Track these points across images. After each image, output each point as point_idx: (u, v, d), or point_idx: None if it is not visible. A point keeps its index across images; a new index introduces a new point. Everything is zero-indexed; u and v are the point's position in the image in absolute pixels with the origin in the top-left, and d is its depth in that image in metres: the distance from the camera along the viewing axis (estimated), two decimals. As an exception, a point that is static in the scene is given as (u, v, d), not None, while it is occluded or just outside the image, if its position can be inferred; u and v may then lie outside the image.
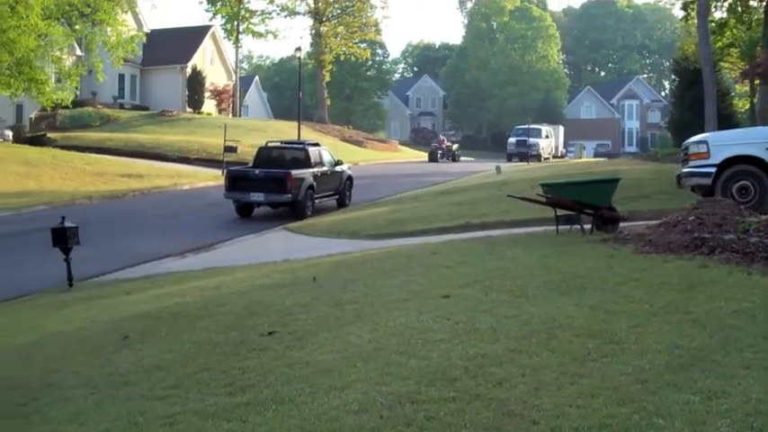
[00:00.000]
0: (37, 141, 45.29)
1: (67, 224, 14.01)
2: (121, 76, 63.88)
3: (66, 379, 7.24)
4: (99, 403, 6.41)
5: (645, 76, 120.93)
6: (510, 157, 55.83)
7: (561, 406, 5.08)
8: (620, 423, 4.76)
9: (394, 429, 4.91)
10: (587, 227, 13.31)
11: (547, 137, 60.42)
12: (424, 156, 60.13)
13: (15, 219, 24.57)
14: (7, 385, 7.25)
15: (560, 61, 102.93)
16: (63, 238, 13.89)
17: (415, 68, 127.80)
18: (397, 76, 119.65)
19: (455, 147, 59.52)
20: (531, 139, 56.06)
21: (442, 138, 62.01)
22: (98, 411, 6.21)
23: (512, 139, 58.03)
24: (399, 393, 5.51)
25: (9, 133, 48.34)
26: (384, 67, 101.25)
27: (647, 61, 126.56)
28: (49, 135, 48.13)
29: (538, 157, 54.73)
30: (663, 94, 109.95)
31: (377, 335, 7.22)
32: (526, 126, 58.41)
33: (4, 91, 38.72)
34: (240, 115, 74.33)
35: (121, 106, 63.87)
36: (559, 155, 65.81)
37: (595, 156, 75.07)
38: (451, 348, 6.48)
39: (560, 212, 13.68)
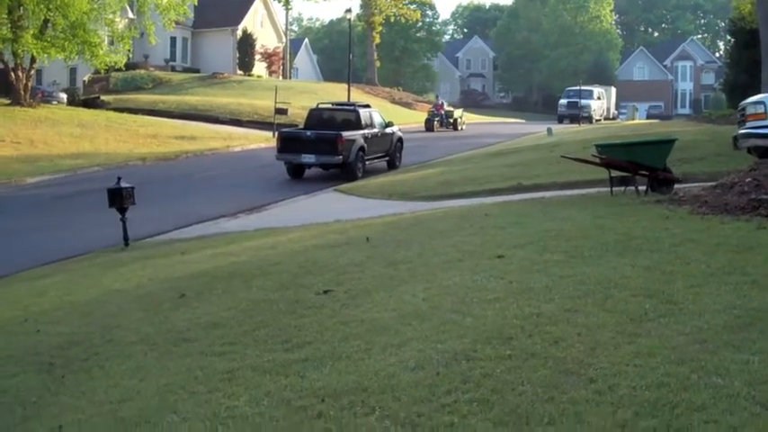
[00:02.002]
0: (90, 104, 45.88)
1: (123, 185, 14.21)
2: (173, 39, 64.30)
3: (125, 335, 7.37)
4: (158, 359, 6.53)
5: (699, 36, 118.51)
6: (561, 119, 55.20)
7: (618, 365, 5.07)
8: (678, 382, 4.73)
9: (450, 386, 4.93)
10: (642, 188, 13.18)
11: (598, 98, 59.61)
12: (475, 117, 59.68)
13: (71, 180, 25.00)
14: (70, 341, 7.41)
15: (613, 22, 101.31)
16: (119, 199, 14.11)
17: (465, 30, 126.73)
18: (446, 37, 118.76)
19: (458, 112, 49.33)
20: (583, 101, 55.34)
21: (440, 101, 50.94)
22: (158, 367, 6.32)
23: (563, 101, 57.34)
24: (455, 351, 5.53)
25: (63, 96, 48.98)
26: (434, 28, 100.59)
27: (702, 21, 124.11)
28: (102, 98, 48.74)
29: (589, 119, 54.06)
30: (717, 55, 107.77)
31: (431, 294, 7.25)
32: (578, 88, 57.64)
33: (59, 54, 39.20)
34: (290, 77, 74.46)
35: (173, 69, 64.35)
36: (611, 117, 64.90)
37: (648, 117, 73.95)
38: (506, 307, 6.49)
39: (614, 173, 13.55)
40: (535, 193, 15.97)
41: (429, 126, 45.53)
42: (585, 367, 5.06)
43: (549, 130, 37.78)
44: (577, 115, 53.17)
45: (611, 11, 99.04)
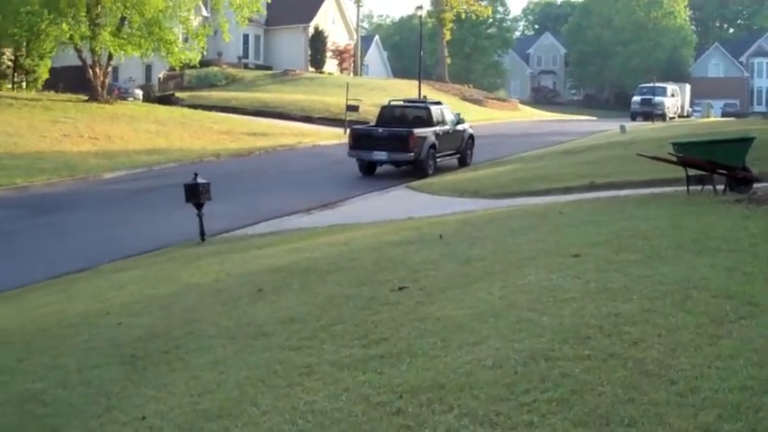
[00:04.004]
0: (165, 100, 46.66)
1: (200, 180, 14.44)
2: (246, 36, 65.00)
3: (204, 328, 7.50)
4: (237, 352, 6.63)
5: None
6: (634, 117, 54.43)
7: (700, 367, 5.00)
8: (761, 385, 4.66)
9: (529, 385, 4.92)
10: (720, 187, 12.96)
11: (672, 96, 58.66)
12: (546, 115, 59.23)
13: (147, 175, 25.46)
14: (150, 333, 7.57)
15: (687, 17, 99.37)
16: (196, 194, 14.34)
17: (536, 26, 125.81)
18: (517, 33, 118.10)
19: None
20: (657, 98, 54.51)
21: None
22: (237, 360, 6.42)
23: (636, 98, 56.56)
24: (533, 350, 5.52)
25: (139, 92, 49.90)
26: (504, 24, 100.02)
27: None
28: (176, 94, 49.52)
29: (663, 117, 53.24)
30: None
31: (507, 292, 7.23)
32: (651, 84, 56.80)
33: (135, 51, 39.91)
34: (361, 74, 74.72)
35: (246, 66, 65.06)
36: (685, 114, 63.79)
37: (723, 115, 72.54)
38: (584, 307, 6.44)
39: (691, 172, 13.35)
40: (609, 191, 15.82)
41: None
42: (666, 369, 5.01)
43: (623, 128, 37.32)
44: (651, 113, 52.38)
45: (685, 6, 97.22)
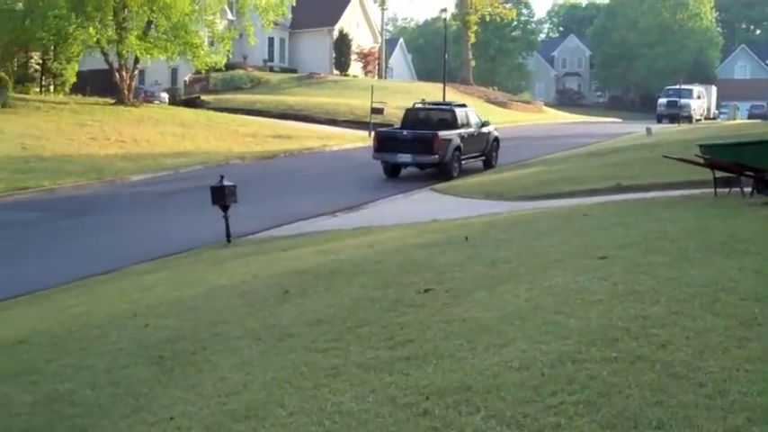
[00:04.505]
0: (191, 103, 46.93)
1: (226, 183, 14.51)
2: (271, 40, 65.29)
3: (231, 330, 7.53)
4: (264, 353, 6.65)
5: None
6: (660, 119, 54.10)
7: (728, 369, 4.97)
8: (791, 388, 4.63)
9: (556, 387, 4.91)
10: (747, 189, 12.86)
11: (699, 98, 58.26)
12: (571, 117, 58.97)
13: (173, 178, 25.62)
14: (178, 335, 7.60)
15: (713, 19, 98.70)
16: (222, 196, 14.42)
17: (561, 28, 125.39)
18: (542, 36, 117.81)
19: None
20: (683, 100, 54.17)
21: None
22: (263, 361, 6.44)
23: (662, 100, 56.22)
24: (560, 352, 5.50)
25: (165, 96, 50.20)
26: (529, 27, 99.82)
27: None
28: (202, 97, 49.78)
29: (689, 119, 52.89)
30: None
31: (533, 294, 7.21)
32: (677, 86, 56.48)
33: (161, 54, 40.21)
34: (385, 77, 74.76)
35: (271, 69, 65.31)
36: (711, 116, 63.35)
37: (749, 117, 71.82)
38: (611, 309, 6.41)
39: (719, 174, 13.26)
40: (635, 193, 15.73)
41: None
42: (694, 371, 4.98)
43: (648, 130, 37.10)
44: (677, 115, 52.06)
45: (711, 8, 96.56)
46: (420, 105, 27.07)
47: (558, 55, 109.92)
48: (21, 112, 35.25)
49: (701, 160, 13.62)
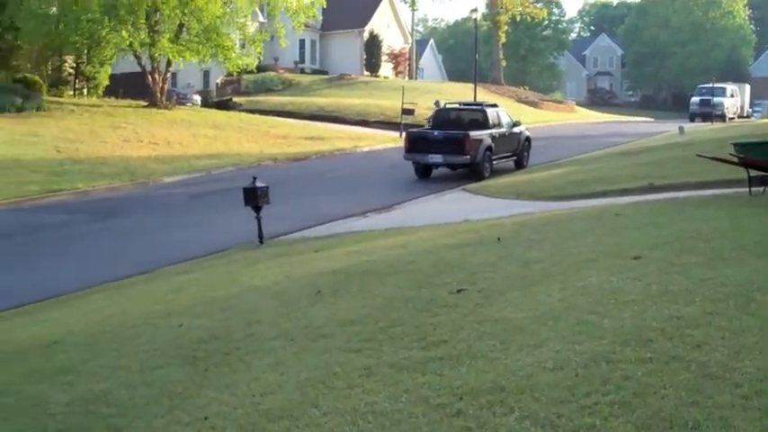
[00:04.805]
0: (223, 105, 47.19)
1: (258, 184, 14.59)
2: (302, 41, 65.50)
3: (264, 330, 7.55)
4: (297, 354, 6.67)
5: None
6: (692, 118, 53.68)
7: (765, 370, 4.91)
8: (829, 389, 4.58)
9: (590, 388, 4.88)
10: (783, 188, 12.74)
11: (732, 96, 57.73)
12: (603, 116, 58.59)
13: (206, 179, 25.78)
14: (211, 335, 7.64)
15: (746, 17, 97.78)
16: (254, 198, 14.50)
17: (592, 27, 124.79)
18: (573, 35, 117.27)
19: None
20: (715, 99, 53.69)
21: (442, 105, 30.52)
22: (297, 361, 6.45)
23: (695, 99, 55.78)
24: (594, 352, 5.47)
25: (198, 98, 50.51)
26: (560, 26, 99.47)
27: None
28: (234, 99, 50.04)
29: (722, 117, 52.42)
30: None
31: (566, 294, 7.18)
32: (710, 85, 55.97)
33: (193, 57, 40.47)
34: (416, 78, 74.75)
35: (302, 71, 65.54)
36: (745, 114, 62.72)
37: (784, 115, 71.15)
38: (645, 309, 6.37)
39: (753, 173, 13.13)
40: (668, 193, 15.60)
41: None
42: (730, 371, 4.93)
43: (681, 129, 36.85)
44: (710, 113, 51.61)
45: (744, 5, 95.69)
46: (451, 106, 27.02)
47: (589, 54, 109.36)
48: (55, 115, 35.61)
49: (735, 159, 13.50)
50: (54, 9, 39.60)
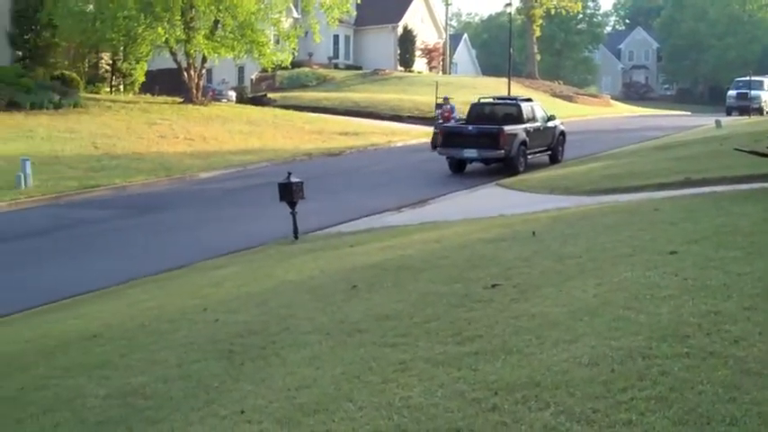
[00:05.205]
0: (258, 101, 47.43)
1: (293, 179, 14.64)
2: (336, 37, 65.58)
3: (300, 325, 7.59)
4: (333, 348, 6.70)
5: None
6: (729, 111, 53.00)
7: (804, 365, 4.88)
8: None
9: (626, 383, 4.85)
10: (822, 182, 12.58)
11: (769, 89, 56.96)
12: (638, 110, 58.09)
13: (241, 175, 25.93)
14: (247, 329, 7.70)
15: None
16: (289, 193, 14.55)
17: (627, 20, 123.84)
18: (608, 28, 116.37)
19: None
20: (753, 92, 52.94)
21: (449, 105, 32.55)
22: (332, 356, 6.48)
23: (732, 92, 55.08)
24: (630, 348, 5.44)
25: (233, 94, 50.76)
26: (595, 19, 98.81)
27: None
28: (268, 95, 50.26)
29: (760, 111, 51.70)
30: None
31: (602, 289, 7.14)
32: (747, 78, 55.26)
33: (228, 53, 40.72)
34: (450, 73, 74.61)
35: (336, 66, 65.64)
36: (782, 108, 61.90)
37: (824, 108, 70.05)
38: (682, 305, 6.32)
39: (792, 167, 12.99)
40: (705, 187, 15.44)
41: (434, 143, 29.53)
42: (769, 367, 4.90)
43: (718, 123, 36.46)
44: (747, 107, 50.95)
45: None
46: (485, 100, 26.91)
47: (624, 48, 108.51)
48: (92, 111, 35.99)
49: (774, 153, 13.36)
50: (91, 6, 40.00)
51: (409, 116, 44.10)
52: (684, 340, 5.49)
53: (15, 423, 6.25)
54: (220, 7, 38.99)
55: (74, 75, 40.69)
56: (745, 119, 45.34)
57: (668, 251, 8.35)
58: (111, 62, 46.00)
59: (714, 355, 5.17)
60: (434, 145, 29.04)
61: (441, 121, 31.05)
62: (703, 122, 41.03)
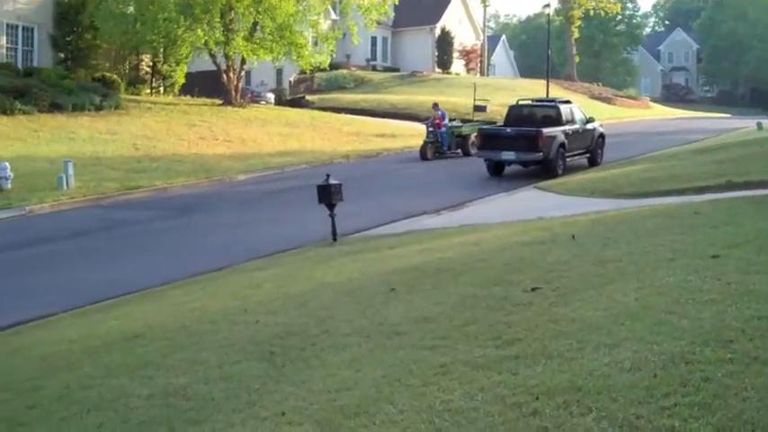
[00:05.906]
0: (296, 103, 47.66)
1: (332, 181, 14.69)
2: (373, 39, 65.71)
3: (340, 327, 7.62)
4: (373, 351, 6.71)
5: None
6: (772, 113, 52.53)
7: None
8: None
9: (669, 389, 4.82)
10: None
11: (814, 90, 56.29)
12: (678, 113, 57.52)
13: (280, 177, 26.06)
14: (287, 331, 7.74)
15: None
16: (328, 195, 14.60)
17: (667, 22, 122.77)
18: (647, 30, 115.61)
19: (468, 128, 31.49)
20: (797, 94, 52.46)
21: (439, 112, 31.45)
22: (372, 358, 6.49)
23: (775, 94, 54.57)
24: (672, 353, 5.40)
25: (271, 96, 51.03)
26: (634, 21, 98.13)
27: None
28: (307, 97, 50.47)
29: (803, 113, 51.22)
30: None
31: (643, 293, 7.10)
32: (791, 79, 54.70)
33: (267, 55, 40.93)
34: (487, 74, 74.44)
35: (373, 68, 65.76)
36: (826, 109, 61.15)
37: None
38: (724, 309, 6.26)
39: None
40: (747, 191, 15.29)
41: (423, 153, 29.92)
42: (814, 374, 4.85)
43: (759, 125, 36.04)
44: (790, 109, 50.40)
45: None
46: (524, 102, 26.81)
47: (664, 49, 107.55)
48: (132, 113, 36.35)
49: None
50: (131, 9, 40.39)
51: (447, 118, 44.02)
52: (727, 345, 5.44)
53: (60, 421, 6.34)
54: (259, 9, 39.23)
55: (115, 76, 41.14)
56: (787, 121, 44.75)
57: (710, 255, 8.27)
58: (151, 64, 46.42)
59: (758, 360, 5.12)
60: (423, 155, 29.65)
61: (431, 129, 30.92)
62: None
